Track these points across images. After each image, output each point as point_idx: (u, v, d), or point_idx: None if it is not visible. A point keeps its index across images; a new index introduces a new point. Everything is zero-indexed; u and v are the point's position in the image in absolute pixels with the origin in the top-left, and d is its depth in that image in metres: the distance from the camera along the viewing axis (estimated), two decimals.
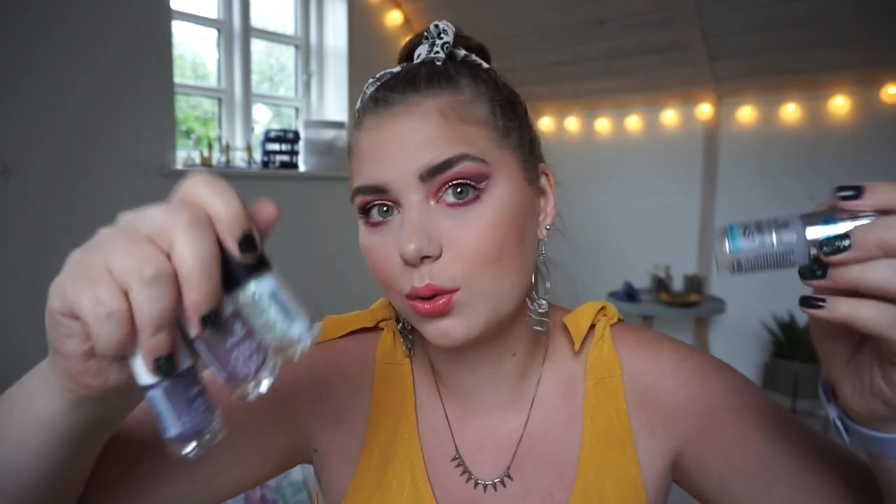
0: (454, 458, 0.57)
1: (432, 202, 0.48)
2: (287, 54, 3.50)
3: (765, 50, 3.04)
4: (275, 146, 3.15)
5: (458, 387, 0.58)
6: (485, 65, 0.55)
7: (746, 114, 3.37)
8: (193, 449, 0.31)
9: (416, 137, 0.47)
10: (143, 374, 0.30)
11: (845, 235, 0.31)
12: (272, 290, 0.30)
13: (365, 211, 0.50)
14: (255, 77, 3.23)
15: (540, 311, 0.55)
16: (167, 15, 2.64)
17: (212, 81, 3.12)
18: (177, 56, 2.84)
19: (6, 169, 2.20)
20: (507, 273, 0.49)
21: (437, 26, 0.53)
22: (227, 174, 2.92)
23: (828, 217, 0.33)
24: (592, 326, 0.59)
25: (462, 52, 0.54)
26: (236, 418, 0.51)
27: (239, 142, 3.15)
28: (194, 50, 3.12)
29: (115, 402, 0.34)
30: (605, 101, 3.78)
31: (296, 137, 3.21)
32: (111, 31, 2.46)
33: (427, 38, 0.54)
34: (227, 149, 2.96)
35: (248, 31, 3.14)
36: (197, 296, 0.28)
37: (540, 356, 0.59)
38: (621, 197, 3.75)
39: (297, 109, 3.53)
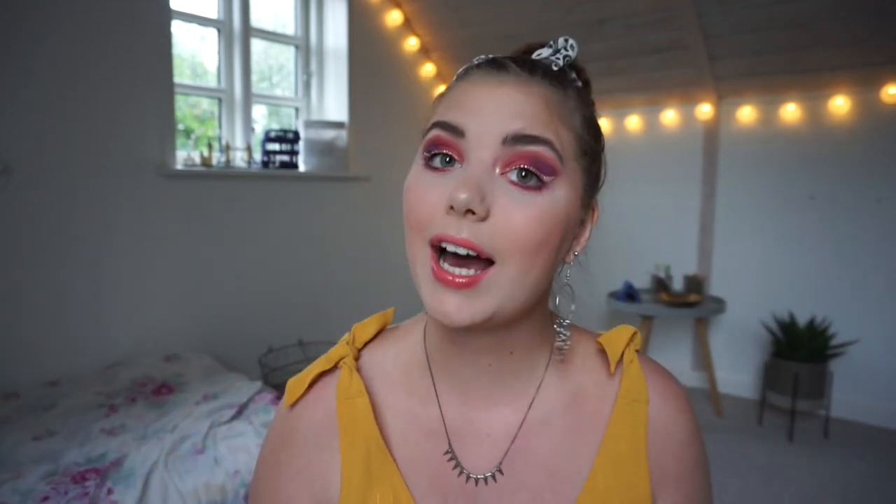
0: (447, 452, 0.57)
1: (497, 171, 0.49)
2: (287, 54, 3.50)
3: (765, 50, 3.04)
4: (275, 146, 3.16)
5: (457, 376, 0.58)
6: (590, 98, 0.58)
7: (746, 114, 3.37)
8: None
9: (514, 105, 0.49)
10: None
11: None
12: None
13: (429, 150, 0.51)
14: (254, 77, 3.23)
15: (566, 332, 0.58)
16: (167, 15, 2.64)
17: (211, 81, 3.12)
18: (176, 56, 2.84)
19: (7, 168, 2.20)
20: (535, 271, 0.49)
21: (566, 40, 0.56)
22: (227, 174, 2.92)
23: None
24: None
25: (573, 75, 0.56)
26: None
27: (239, 142, 3.15)
28: (193, 49, 3.12)
29: None
30: (605, 101, 3.78)
31: (296, 137, 3.21)
32: (111, 31, 2.46)
33: (551, 46, 0.56)
34: (227, 149, 2.96)
35: (248, 31, 3.14)
36: None
37: (543, 359, 0.59)
38: (621, 197, 3.75)
39: (297, 109, 3.53)
